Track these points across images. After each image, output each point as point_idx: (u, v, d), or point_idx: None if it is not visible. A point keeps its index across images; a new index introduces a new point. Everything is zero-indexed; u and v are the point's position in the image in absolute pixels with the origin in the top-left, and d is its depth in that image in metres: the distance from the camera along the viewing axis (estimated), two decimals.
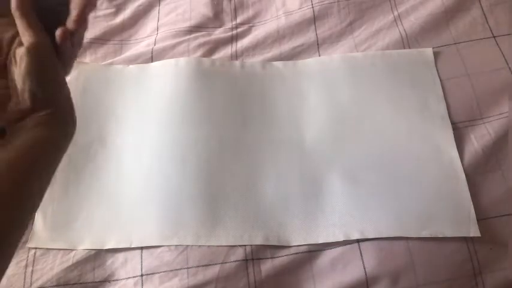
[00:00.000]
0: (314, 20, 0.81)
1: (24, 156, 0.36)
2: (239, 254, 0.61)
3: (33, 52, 0.38)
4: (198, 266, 0.60)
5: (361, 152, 0.67)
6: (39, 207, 0.67)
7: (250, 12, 0.85)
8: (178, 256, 0.61)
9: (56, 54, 0.40)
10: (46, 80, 0.38)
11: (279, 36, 0.80)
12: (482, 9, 0.77)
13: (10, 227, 0.34)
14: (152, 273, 0.61)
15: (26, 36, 0.38)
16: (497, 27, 0.75)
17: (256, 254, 0.61)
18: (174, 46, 0.80)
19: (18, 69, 0.38)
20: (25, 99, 0.37)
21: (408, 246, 0.59)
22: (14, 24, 0.39)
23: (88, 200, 0.67)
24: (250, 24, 0.84)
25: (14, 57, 0.39)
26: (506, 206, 0.61)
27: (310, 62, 0.76)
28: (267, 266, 0.60)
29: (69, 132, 0.40)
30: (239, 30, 0.83)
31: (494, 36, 0.74)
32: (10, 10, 0.39)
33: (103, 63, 0.79)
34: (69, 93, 0.41)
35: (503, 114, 0.67)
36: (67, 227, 0.65)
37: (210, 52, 0.79)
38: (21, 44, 0.39)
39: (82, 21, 0.40)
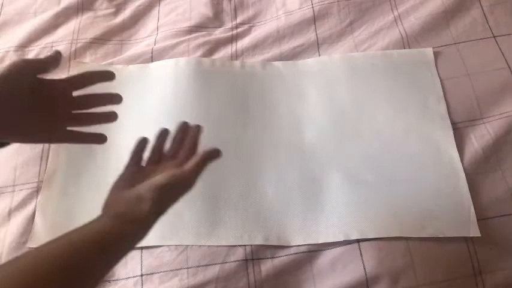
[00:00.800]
0: (314, 20, 0.81)
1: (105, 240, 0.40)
2: (239, 254, 0.61)
3: (179, 182, 0.44)
4: (198, 266, 0.60)
5: (361, 152, 0.67)
6: (39, 206, 0.67)
7: (250, 12, 0.85)
8: (178, 256, 0.61)
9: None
10: (162, 202, 0.43)
11: (279, 36, 0.80)
12: (482, 9, 0.77)
13: None
14: (152, 273, 0.61)
15: (187, 170, 0.45)
16: (497, 27, 0.75)
17: (256, 254, 0.61)
18: (174, 46, 0.80)
19: (156, 177, 0.44)
20: (139, 197, 0.42)
21: (408, 246, 0.59)
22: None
23: (88, 199, 0.67)
24: (250, 24, 0.84)
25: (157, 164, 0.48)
26: (506, 206, 0.61)
27: (310, 62, 0.76)
28: (267, 266, 0.60)
29: (141, 239, 0.42)
30: (239, 30, 0.82)
31: (494, 36, 0.74)
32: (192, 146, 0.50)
33: (103, 63, 0.79)
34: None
35: (503, 114, 0.67)
36: (67, 227, 0.64)
37: (210, 52, 0.79)
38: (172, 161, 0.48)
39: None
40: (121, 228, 0.40)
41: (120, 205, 0.42)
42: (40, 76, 0.46)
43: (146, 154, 0.51)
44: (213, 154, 0.47)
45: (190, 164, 0.45)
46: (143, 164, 0.50)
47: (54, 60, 0.46)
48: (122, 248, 0.41)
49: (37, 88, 0.45)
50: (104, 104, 0.52)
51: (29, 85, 0.44)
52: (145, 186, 0.43)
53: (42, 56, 0.46)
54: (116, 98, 0.52)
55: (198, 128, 0.52)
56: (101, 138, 0.53)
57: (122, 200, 0.43)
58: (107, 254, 0.39)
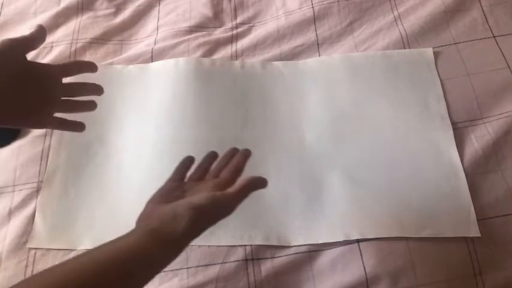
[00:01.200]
0: (314, 20, 0.81)
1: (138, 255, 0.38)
2: (239, 254, 0.61)
3: (218, 205, 0.42)
4: (198, 266, 0.60)
5: (361, 152, 0.67)
6: (39, 206, 0.67)
7: (250, 12, 0.85)
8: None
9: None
10: (197, 224, 0.41)
11: (279, 36, 0.80)
12: (482, 9, 0.77)
13: None
14: None
15: (229, 194, 0.42)
16: (497, 27, 0.75)
17: (256, 254, 0.61)
18: (174, 46, 0.80)
19: (196, 196, 0.42)
20: (175, 214, 0.40)
21: (408, 246, 0.59)
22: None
23: (88, 199, 0.67)
24: (250, 24, 0.84)
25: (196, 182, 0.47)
26: (506, 206, 0.61)
27: (310, 62, 0.76)
28: (267, 266, 0.60)
29: (172, 260, 0.41)
30: (239, 30, 0.82)
31: (494, 36, 0.74)
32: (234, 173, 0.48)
33: (103, 63, 0.79)
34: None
35: (503, 114, 0.67)
36: (67, 227, 0.65)
37: (210, 52, 0.79)
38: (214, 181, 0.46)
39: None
40: (152, 247, 0.38)
41: (154, 220, 0.40)
42: (30, 59, 0.46)
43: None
44: (259, 183, 0.45)
45: (233, 188, 0.43)
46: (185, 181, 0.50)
47: (40, 35, 0.46)
48: (150, 268, 0.38)
49: (28, 69, 0.46)
50: (88, 94, 0.54)
51: (20, 65, 0.44)
52: (183, 205, 0.41)
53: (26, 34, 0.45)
54: (98, 89, 0.54)
55: (246, 152, 0.51)
56: (80, 127, 0.55)
57: (156, 215, 0.41)
58: (135, 274, 0.37)
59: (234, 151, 0.52)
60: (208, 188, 0.45)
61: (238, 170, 0.49)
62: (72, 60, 0.51)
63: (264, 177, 0.45)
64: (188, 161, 0.52)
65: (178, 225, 0.39)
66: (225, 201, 0.42)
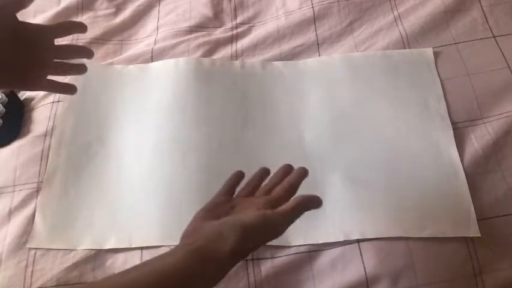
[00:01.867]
0: (314, 20, 0.81)
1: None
2: None
3: (268, 224, 0.39)
4: None
5: (361, 152, 0.67)
6: (39, 206, 0.67)
7: (250, 12, 0.85)
8: None
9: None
10: (244, 244, 0.39)
11: (279, 36, 0.80)
12: (482, 9, 0.77)
13: None
14: None
15: (280, 212, 0.40)
16: (497, 27, 0.75)
17: (256, 254, 0.61)
18: (174, 46, 0.80)
19: (244, 213, 0.40)
20: (221, 233, 0.38)
21: (408, 246, 0.59)
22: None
23: (88, 199, 0.67)
24: (250, 24, 0.84)
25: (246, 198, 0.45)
26: (506, 206, 0.61)
27: (310, 62, 0.76)
28: (267, 266, 0.60)
29: (217, 281, 0.39)
30: (239, 30, 0.83)
31: (494, 36, 0.74)
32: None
33: (103, 63, 0.79)
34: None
35: (503, 114, 0.67)
36: (67, 227, 0.65)
37: (210, 52, 0.79)
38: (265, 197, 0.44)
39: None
40: (196, 267, 0.36)
41: (199, 237, 0.39)
42: (22, 19, 0.45)
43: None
44: (314, 202, 0.43)
45: (285, 206, 0.40)
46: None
47: None
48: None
49: (19, 29, 0.45)
50: (80, 56, 0.54)
51: (10, 25, 0.44)
52: (231, 222, 0.39)
53: None
54: (89, 53, 0.54)
55: (303, 171, 0.48)
56: (72, 89, 0.55)
57: (202, 232, 0.39)
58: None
59: (288, 168, 0.49)
60: (258, 205, 0.42)
61: (293, 189, 0.46)
62: (63, 21, 0.51)
63: (319, 197, 0.42)
64: (238, 175, 0.50)
65: (225, 245, 0.37)
66: (276, 220, 0.40)
